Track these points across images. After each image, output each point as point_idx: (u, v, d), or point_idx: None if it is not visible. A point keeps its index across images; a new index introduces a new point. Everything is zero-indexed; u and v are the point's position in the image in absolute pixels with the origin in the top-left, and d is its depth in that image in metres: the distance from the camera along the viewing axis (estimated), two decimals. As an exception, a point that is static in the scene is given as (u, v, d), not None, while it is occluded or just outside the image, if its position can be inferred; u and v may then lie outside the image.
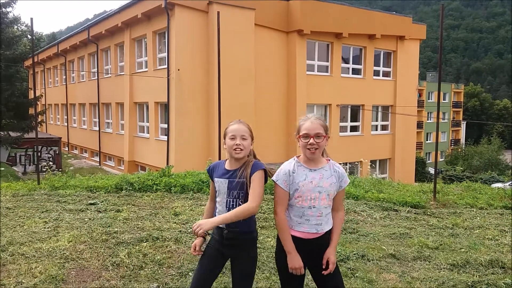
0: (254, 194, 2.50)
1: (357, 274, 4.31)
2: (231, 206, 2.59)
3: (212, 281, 2.72)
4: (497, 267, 4.61)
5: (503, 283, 4.14)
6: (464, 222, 6.64)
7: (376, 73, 23.22)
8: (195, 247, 2.70)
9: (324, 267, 2.52)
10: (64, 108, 32.42)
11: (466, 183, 10.92)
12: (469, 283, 4.15)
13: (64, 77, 31.44)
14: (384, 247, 5.18)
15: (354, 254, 4.86)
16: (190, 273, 4.25)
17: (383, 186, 9.84)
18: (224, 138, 2.64)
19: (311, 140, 2.52)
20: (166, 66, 17.74)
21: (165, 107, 18.24)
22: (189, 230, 5.61)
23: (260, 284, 4.01)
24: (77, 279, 4.08)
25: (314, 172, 2.56)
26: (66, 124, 32.00)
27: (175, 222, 6.02)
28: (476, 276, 4.35)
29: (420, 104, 44.35)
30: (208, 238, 2.75)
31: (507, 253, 5.14)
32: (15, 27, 23.73)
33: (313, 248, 2.55)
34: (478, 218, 7.04)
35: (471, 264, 4.68)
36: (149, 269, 4.33)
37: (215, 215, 2.67)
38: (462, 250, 5.20)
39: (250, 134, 2.63)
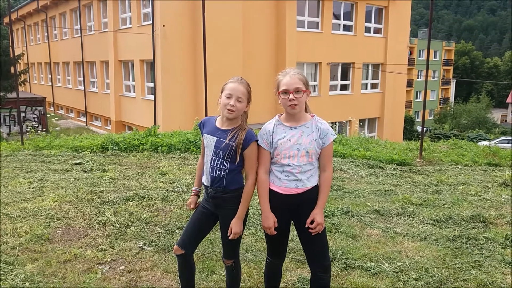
0: (251, 169, 2.55)
1: (341, 230, 4.38)
2: (215, 165, 2.55)
3: (200, 238, 2.74)
4: (478, 221, 4.72)
5: (483, 236, 4.25)
6: (449, 179, 6.74)
7: (367, 30, 22.78)
8: (190, 204, 2.77)
9: (307, 226, 2.51)
10: (48, 67, 31.52)
11: (453, 140, 11.03)
12: (450, 237, 4.25)
13: (46, 34, 30.34)
14: (368, 204, 5.25)
15: (339, 210, 4.93)
16: (177, 231, 4.28)
17: (370, 144, 9.89)
18: (221, 93, 2.54)
19: (291, 96, 2.44)
20: (150, 22, 17.14)
21: (151, 65, 17.81)
22: (176, 189, 5.61)
23: (246, 240, 4.06)
24: (62, 238, 4.08)
25: (294, 129, 2.51)
26: (50, 83, 31.23)
27: (162, 182, 6.01)
28: (458, 231, 4.45)
29: (411, 62, 43.98)
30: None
31: (488, 208, 5.26)
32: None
33: (296, 204, 2.54)
34: (463, 175, 7.15)
35: (453, 219, 4.78)
36: (135, 228, 4.34)
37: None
38: (445, 206, 5.30)
39: (248, 97, 2.54)
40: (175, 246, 2.69)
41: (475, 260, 3.75)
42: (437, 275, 3.45)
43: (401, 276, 3.44)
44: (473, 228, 4.55)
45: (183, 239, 2.67)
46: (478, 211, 4.99)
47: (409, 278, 3.41)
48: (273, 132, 2.53)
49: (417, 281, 3.37)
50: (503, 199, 5.61)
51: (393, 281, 3.37)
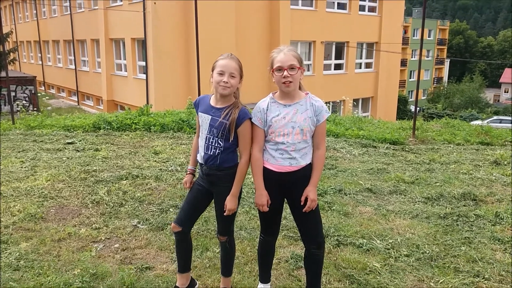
0: (245, 147, 2.54)
1: (334, 207, 4.42)
2: (210, 143, 2.55)
3: (196, 215, 2.76)
4: (469, 199, 4.78)
5: (474, 214, 4.32)
6: (441, 158, 6.79)
7: (362, 8, 22.52)
8: (186, 183, 2.78)
9: (302, 204, 2.53)
10: (37, 46, 30.93)
11: (446, 120, 11.09)
12: (441, 215, 4.31)
13: (35, 11, 29.66)
14: (361, 182, 5.29)
15: (332, 188, 4.96)
16: (171, 209, 4.29)
17: (364, 124, 9.92)
18: (212, 71, 2.52)
19: (285, 73, 2.41)
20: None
21: (143, 43, 17.53)
22: (169, 168, 5.61)
23: (239, 218, 4.09)
24: (56, 217, 4.08)
25: (289, 107, 2.49)
26: (40, 62, 30.71)
27: (155, 161, 5.99)
28: (449, 208, 4.51)
29: (405, 41, 43.71)
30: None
31: (479, 186, 5.33)
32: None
33: (289, 182, 2.55)
34: (455, 153, 7.21)
35: (445, 197, 4.83)
36: (129, 206, 4.34)
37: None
38: (437, 184, 5.36)
39: (240, 73, 2.52)
40: (173, 223, 2.70)
41: (465, 237, 3.81)
42: (428, 252, 3.51)
43: (392, 253, 3.49)
44: (464, 205, 4.62)
45: (180, 217, 2.69)
46: (469, 189, 5.05)
47: (401, 255, 3.46)
48: (267, 110, 2.51)
49: (408, 258, 3.43)
50: (494, 178, 5.68)
51: (385, 257, 3.43)
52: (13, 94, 19.98)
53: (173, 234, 2.77)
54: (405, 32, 47.68)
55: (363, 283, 3.04)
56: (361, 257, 3.41)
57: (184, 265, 2.78)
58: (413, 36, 51.92)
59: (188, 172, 2.79)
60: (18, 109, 11.12)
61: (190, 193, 2.74)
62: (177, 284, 2.79)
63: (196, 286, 2.88)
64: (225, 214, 2.58)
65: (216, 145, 2.54)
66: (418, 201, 4.76)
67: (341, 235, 3.76)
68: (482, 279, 3.13)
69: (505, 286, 3.05)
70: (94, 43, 22.24)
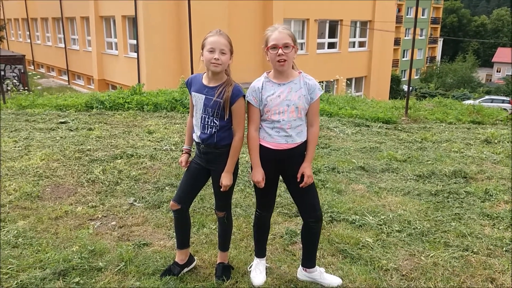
0: (239, 124, 2.56)
1: (327, 185, 4.49)
2: (205, 123, 2.56)
3: (194, 193, 2.79)
4: (460, 177, 4.88)
5: (464, 191, 4.41)
6: (433, 136, 6.88)
7: (356, -15, 22.26)
8: (182, 163, 2.80)
9: (299, 180, 2.58)
10: (25, 23, 30.25)
11: (438, 99, 11.16)
12: (432, 192, 4.40)
13: (22, -12, 28.88)
14: (354, 160, 5.35)
15: (325, 167, 5.03)
16: (166, 188, 4.33)
17: (357, 103, 9.96)
18: (202, 49, 2.50)
19: (280, 51, 2.43)
20: (132, -24, 16.42)
21: (133, 21, 17.23)
22: (164, 148, 5.62)
23: (235, 196, 4.14)
24: (52, 196, 4.10)
25: (283, 86, 2.52)
26: (29, 40, 30.10)
27: (149, 140, 6.00)
28: (440, 186, 4.61)
29: (399, 20, 43.39)
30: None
31: (470, 164, 5.42)
32: None
33: (285, 159, 2.59)
34: (447, 132, 7.29)
35: (436, 175, 4.92)
36: (125, 185, 4.37)
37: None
38: (429, 162, 5.44)
39: (230, 49, 2.51)
40: (171, 202, 2.74)
41: (455, 213, 3.91)
42: (419, 227, 3.60)
43: (384, 228, 3.58)
44: (455, 183, 4.71)
45: (178, 195, 2.72)
46: (460, 167, 5.15)
47: (392, 230, 3.55)
48: (262, 89, 2.53)
49: (400, 233, 3.51)
50: (484, 156, 5.78)
51: (377, 233, 3.51)
52: (2, 73, 19.65)
53: (171, 212, 2.80)
54: (399, 10, 47.28)
55: (356, 257, 3.12)
56: (354, 232, 3.50)
57: (183, 241, 2.84)
58: (407, 15, 51.54)
59: (184, 152, 2.81)
60: (9, 88, 10.96)
61: (187, 172, 2.76)
62: (176, 260, 2.85)
63: (194, 262, 2.94)
64: (221, 190, 2.62)
65: (211, 124, 2.55)
66: (410, 178, 4.84)
67: (334, 212, 3.83)
68: (471, 253, 3.23)
69: (493, 259, 3.15)
70: (84, 20, 21.80)
